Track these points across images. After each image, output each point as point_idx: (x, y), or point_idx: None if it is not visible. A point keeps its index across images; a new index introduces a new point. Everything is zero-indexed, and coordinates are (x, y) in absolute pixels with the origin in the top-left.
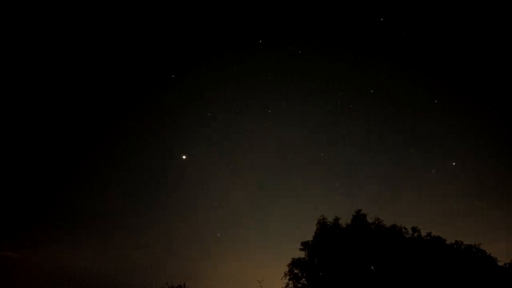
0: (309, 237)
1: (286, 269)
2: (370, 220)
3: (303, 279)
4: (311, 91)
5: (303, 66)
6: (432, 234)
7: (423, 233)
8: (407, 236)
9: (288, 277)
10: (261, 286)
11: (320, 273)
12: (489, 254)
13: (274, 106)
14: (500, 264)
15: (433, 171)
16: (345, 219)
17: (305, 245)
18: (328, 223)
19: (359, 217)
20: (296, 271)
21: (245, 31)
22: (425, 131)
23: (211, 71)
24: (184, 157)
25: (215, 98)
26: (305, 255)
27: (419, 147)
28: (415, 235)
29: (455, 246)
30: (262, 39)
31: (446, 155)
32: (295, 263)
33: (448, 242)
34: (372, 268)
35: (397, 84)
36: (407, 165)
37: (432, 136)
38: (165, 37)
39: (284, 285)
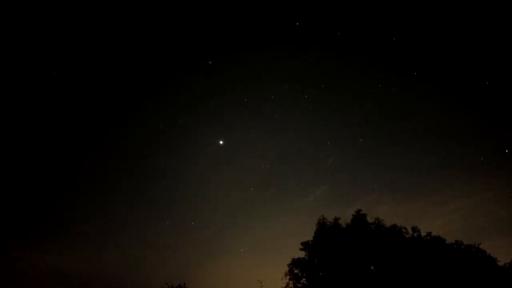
0: (309, 237)
1: (286, 269)
2: (370, 220)
3: (303, 279)
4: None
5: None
6: (432, 234)
7: (423, 233)
8: (407, 236)
9: (288, 277)
10: (261, 286)
11: (320, 273)
12: (489, 254)
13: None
14: (500, 264)
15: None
16: (345, 219)
17: (305, 245)
18: (328, 223)
19: (359, 217)
20: (296, 271)
21: (281, 15)
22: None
23: (247, 57)
24: (221, 142)
25: (251, 84)
26: (305, 255)
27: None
28: (415, 235)
29: (455, 246)
30: (299, 22)
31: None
32: (295, 263)
33: (448, 242)
34: (372, 268)
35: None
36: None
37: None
38: (199, 25)
39: (284, 285)
